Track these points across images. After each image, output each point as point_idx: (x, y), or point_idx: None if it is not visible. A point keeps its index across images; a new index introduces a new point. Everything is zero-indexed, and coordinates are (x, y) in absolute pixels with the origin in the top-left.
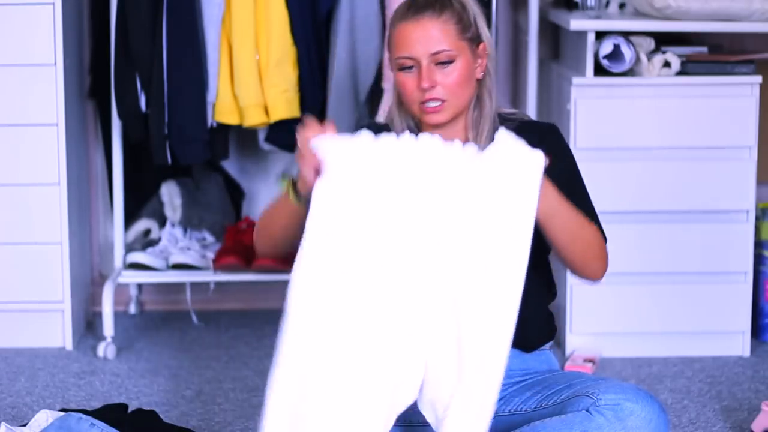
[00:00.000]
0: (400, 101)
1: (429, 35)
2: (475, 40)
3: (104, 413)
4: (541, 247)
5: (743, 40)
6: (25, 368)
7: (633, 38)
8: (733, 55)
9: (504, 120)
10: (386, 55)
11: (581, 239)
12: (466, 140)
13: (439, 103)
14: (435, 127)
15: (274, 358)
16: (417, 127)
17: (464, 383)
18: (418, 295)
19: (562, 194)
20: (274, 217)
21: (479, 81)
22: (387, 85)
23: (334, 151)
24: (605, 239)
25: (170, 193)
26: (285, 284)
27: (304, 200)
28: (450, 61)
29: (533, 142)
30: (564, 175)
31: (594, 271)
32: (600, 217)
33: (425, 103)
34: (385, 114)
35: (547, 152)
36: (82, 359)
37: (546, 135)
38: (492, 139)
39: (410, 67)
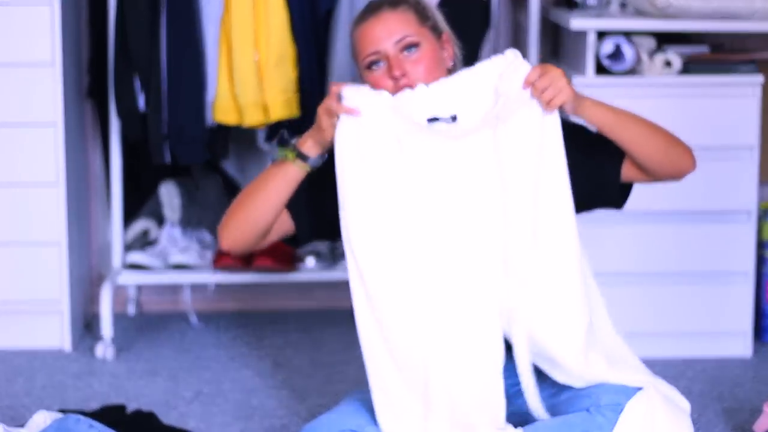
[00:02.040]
0: None
1: (390, 27)
2: (436, 29)
3: (103, 414)
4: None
5: (745, 40)
6: (23, 369)
7: (634, 38)
8: (734, 54)
9: None
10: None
11: (656, 131)
12: None
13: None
14: None
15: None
16: None
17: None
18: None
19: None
20: (261, 190)
21: (450, 71)
22: None
23: (364, 97)
24: None
25: (169, 193)
26: (283, 285)
27: (310, 164)
28: (415, 46)
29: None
30: (583, 140)
31: (687, 158)
32: (602, 217)
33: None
34: None
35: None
36: (81, 360)
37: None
38: None
39: (378, 63)
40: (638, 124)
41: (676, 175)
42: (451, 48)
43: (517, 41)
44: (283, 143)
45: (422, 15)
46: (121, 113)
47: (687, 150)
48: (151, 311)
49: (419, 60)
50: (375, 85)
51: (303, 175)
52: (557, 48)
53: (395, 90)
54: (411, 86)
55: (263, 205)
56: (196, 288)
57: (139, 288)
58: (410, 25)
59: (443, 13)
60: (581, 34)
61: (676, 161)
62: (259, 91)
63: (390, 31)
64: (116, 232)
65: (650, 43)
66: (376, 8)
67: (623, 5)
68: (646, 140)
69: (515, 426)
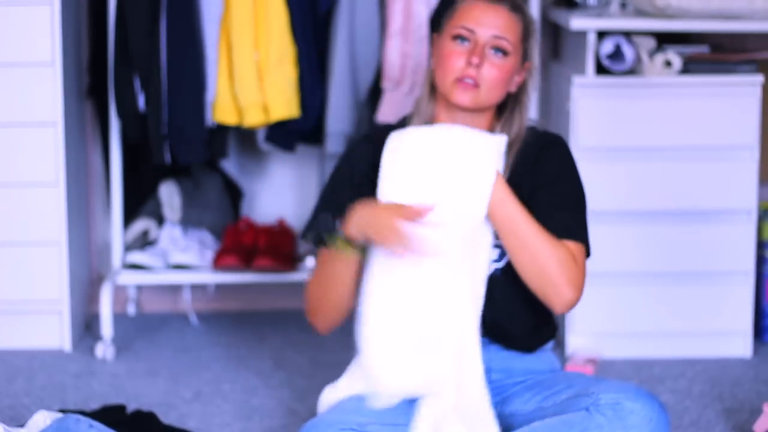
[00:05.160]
0: (432, 82)
1: (499, 21)
2: (527, 54)
3: (103, 414)
4: None
5: (745, 40)
6: (23, 369)
7: (634, 37)
8: (734, 54)
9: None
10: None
11: (536, 253)
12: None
13: (473, 84)
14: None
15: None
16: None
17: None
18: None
19: (520, 203)
20: (330, 280)
21: (511, 95)
22: (387, 84)
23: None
24: (588, 254)
25: (169, 193)
26: (284, 285)
27: (360, 248)
28: (504, 53)
29: (542, 153)
30: (565, 186)
31: (555, 295)
32: (602, 217)
33: (463, 78)
34: (385, 114)
35: (555, 162)
36: (81, 360)
37: (553, 145)
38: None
39: (465, 40)
40: (526, 240)
41: (548, 304)
42: (524, 77)
43: None
44: (327, 228)
45: (527, 34)
46: (121, 113)
47: (564, 294)
48: (151, 311)
49: (498, 67)
50: (444, 54)
51: (360, 255)
52: (557, 48)
53: (456, 74)
54: (475, 81)
55: (341, 293)
56: (196, 288)
57: (139, 288)
58: (514, 34)
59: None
60: (581, 34)
61: (547, 295)
62: (259, 91)
63: (497, 24)
64: (116, 232)
65: (650, 43)
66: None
67: (623, 5)
68: (523, 257)
69: (517, 426)
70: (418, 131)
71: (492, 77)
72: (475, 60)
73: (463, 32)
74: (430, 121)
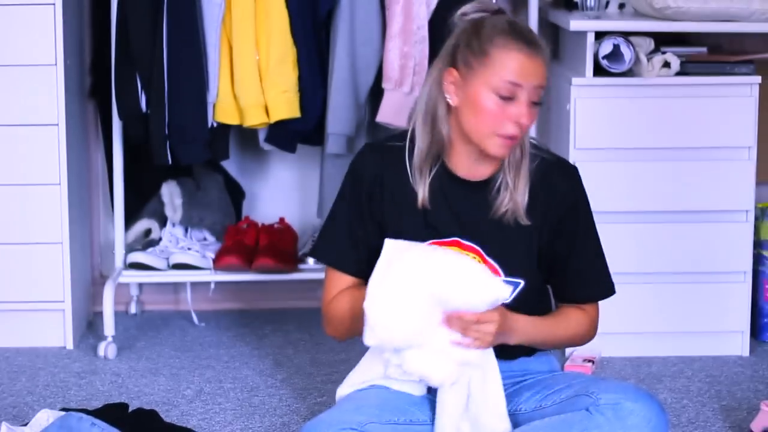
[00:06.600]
0: (454, 119)
1: (539, 71)
2: None
3: (105, 413)
4: (539, 260)
5: (743, 41)
6: (25, 368)
7: (632, 38)
8: (732, 55)
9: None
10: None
11: (560, 342)
12: (497, 174)
13: (515, 141)
14: (475, 162)
15: None
16: (437, 156)
17: None
18: None
19: (529, 326)
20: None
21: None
22: (387, 85)
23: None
24: (612, 292)
25: (171, 193)
26: (284, 284)
27: None
28: (539, 103)
29: (561, 184)
30: (582, 224)
31: (577, 345)
32: (600, 217)
33: (507, 136)
34: (385, 114)
35: (573, 197)
36: (83, 359)
37: (573, 178)
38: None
39: (508, 97)
40: (548, 344)
41: None
42: None
43: None
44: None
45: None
46: (122, 113)
47: (585, 339)
48: (152, 310)
49: (534, 117)
50: (487, 110)
51: None
52: (556, 49)
53: (500, 131)
54: (516, 139)
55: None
56: (198, 287)
57: (141, 287)
58: (545, 81)
59: (444, 17)
60: (580, 35)
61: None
62: (259, 91)
63: (539, 76)
64: (118, 232)
65: (648, 44)
66: (535, 46)
67: (621, 6)
68: (554, 346)
69: (516, 426)
70: (417, 253)
71: (528, 127)
72: (525, 121)
73: (511, 89)
74: (442, 149)
